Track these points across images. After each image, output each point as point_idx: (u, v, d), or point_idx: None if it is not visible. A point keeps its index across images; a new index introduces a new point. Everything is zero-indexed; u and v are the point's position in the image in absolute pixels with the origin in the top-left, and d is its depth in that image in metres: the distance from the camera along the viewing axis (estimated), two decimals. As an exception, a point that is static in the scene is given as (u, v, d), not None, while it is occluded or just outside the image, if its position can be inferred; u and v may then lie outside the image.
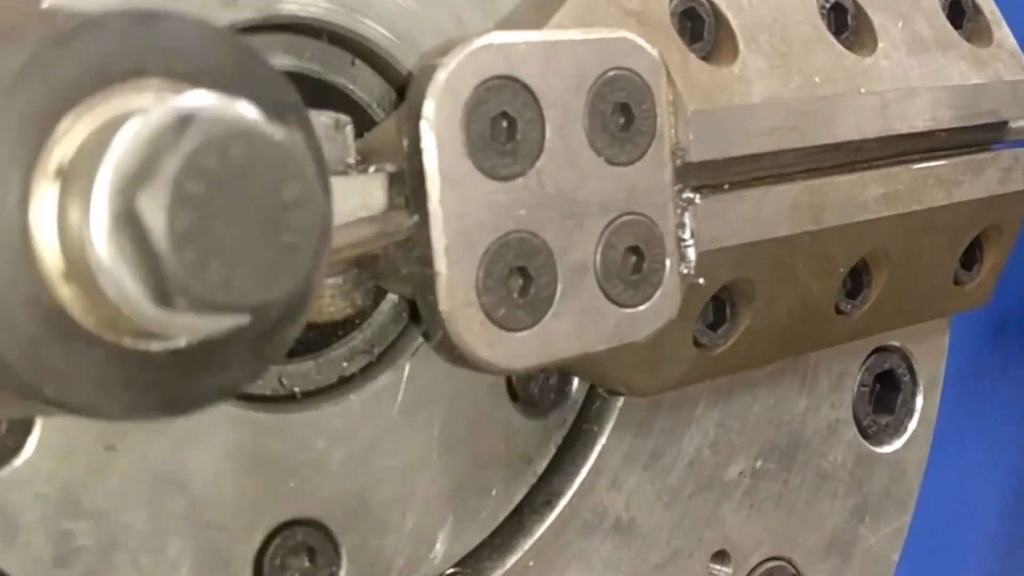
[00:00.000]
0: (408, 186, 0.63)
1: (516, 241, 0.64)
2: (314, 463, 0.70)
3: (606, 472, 0.80)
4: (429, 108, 0.61)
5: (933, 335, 0.94)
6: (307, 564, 0.70)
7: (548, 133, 0.64)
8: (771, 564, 0.88)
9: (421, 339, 0.73)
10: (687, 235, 0.71)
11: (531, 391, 0.78)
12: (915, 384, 0.94)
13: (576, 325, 0.66)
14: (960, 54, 0.84)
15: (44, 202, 0.44)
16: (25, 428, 0.62)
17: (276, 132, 0.43)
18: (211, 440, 0.66)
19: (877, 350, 0.91)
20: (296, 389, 0.71)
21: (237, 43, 0.48)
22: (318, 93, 0.72)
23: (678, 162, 0.70)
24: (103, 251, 0.42)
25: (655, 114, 0.68)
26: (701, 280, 0.72)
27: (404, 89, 0.65)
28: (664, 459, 0.82)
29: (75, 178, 0.44)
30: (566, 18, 0.68)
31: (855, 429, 0.91)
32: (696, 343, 0.76)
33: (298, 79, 0.70)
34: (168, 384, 0.46)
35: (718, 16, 0.75)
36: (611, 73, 0.66)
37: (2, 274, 0.43)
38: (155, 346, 0.45)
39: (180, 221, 0.41)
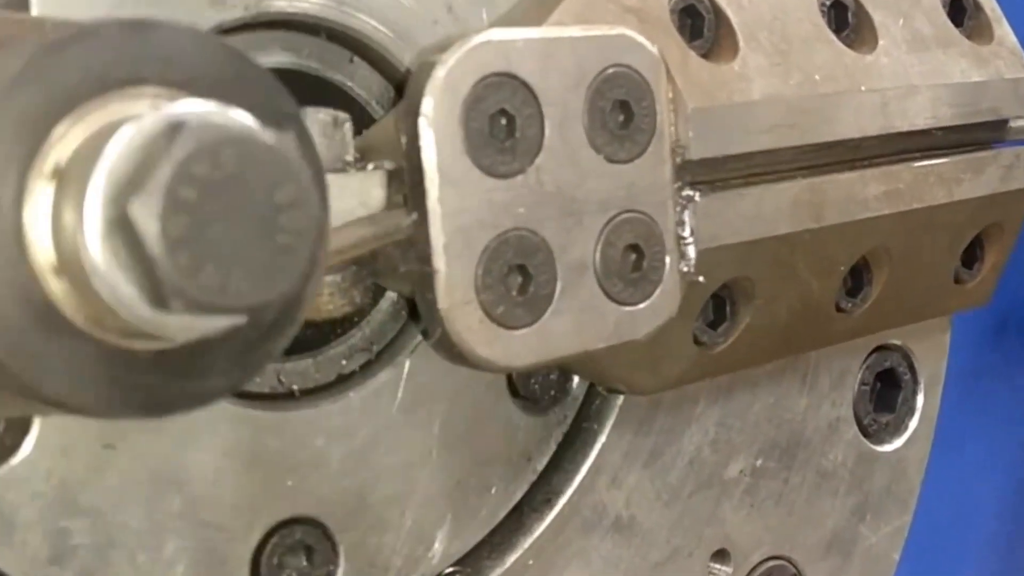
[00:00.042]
0: (407, 183, 0.63)
1: (515, 239, 0.63)
2: (313, 461, 0.70)
3: (606, 470, 0.80)
4: (428, 105, 0.61)
5: (934, 333, 0.94)
6: (304, 563, 0.70)
7: (547, 130, 0.64)
8: (771, 563, 0.88)
9: (420, 337, 0.73)
10: (687, 233, 0.71)
11: (532, 387, 0.78)
12: (916, 382, 0.94)
13: (575, 323, 0.66)
14: (961, 52, 0.84)
15: (39, 205, 0.44)
16: (23, 427, 0.62)
17: (268, 137, 0.44)
18: (209, 438, 0.66)
19: (878, 348, 0.91)
20: (295, 387, 0.71)
21: (230, 50, 0.48)
22: (316, 90, 0.71)
23: (678, 160, 0.70)
24: (97, 255, 0.43)
25: (655, 111, 0.68)
26: (701, 278, 0.72)
27: (403, 86, 0.65)
28: (664, 457, 0.82)
29: (70, 183, 0.44)
30: (565, 15, 0.68)
31: (856, 428, 0.91)
32: (696, 341, 0.76)
33: (296, 76, 0.71)
34: (162, 383, 0.46)
35: (718, 13, 0.74)
36: (610, 70, 0.66)
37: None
38: (149, 345, 0.45)
39: (173, 226, 0.41)
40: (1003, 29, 0.87)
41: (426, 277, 0.62)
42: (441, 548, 0.75)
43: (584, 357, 0.68)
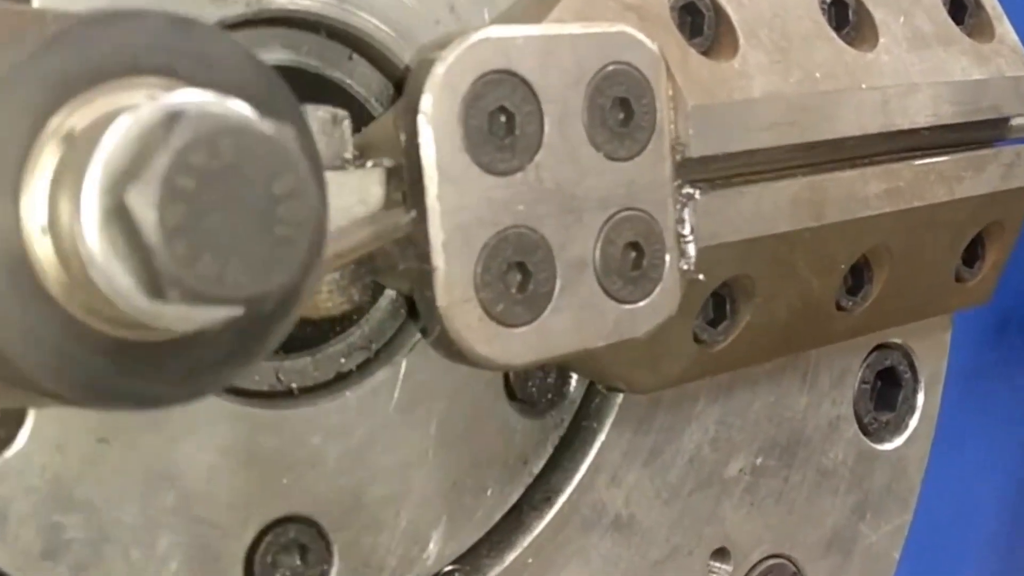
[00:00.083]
0: (406, 181, 0.62)
1: (515, 236, 0.63)
2: (309, 460, 0.70)
3: (605, 469, 0.80)
4: (427, 102, 0.61)
5: (935, 332, 0.94)
6: (298, 562, 0.70)
7: (547, 128, 0.64)
8: (771, 562, 0.87)
9: (417, 336, 0.72)
10: (687, 231, 0.71)
11: (529, 390, 0.78)
12: (916, 381, 0.94)
13: (575, 321, 0.66)
14: (961, 50, 0.84)
15: (36, 195, 0.44)
16: (18, 419, 0.62)
17: (266, 127, 0.43)
18: (206, 435, 0.66)
19: (878, 347, 0.91)
20: (293, 385, 0.71)
21: (228, 40, 0.48)
22: (316, 88, 0.71)
23: (678, 157, 0.70)
24: (94, 245, 0.42)
25: (655, 109, 0.67)
26: (701, 276, 0.71)
27: (402, 83, 0.65)
28: (664, 456, 0.82)
29: (67, 173, 0.44)
30: (565, 12, 0.68)
31: (856, 426, 0.90)
32: (696, 339, 0.76)
33: (295, 74, 0.71)
34: (158, 375, 0.46)
35: (718, 11, 0.74)
36: (610, 68, 0.66)
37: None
38: (146, 337, 0.45)
39: (171, 215, 0.41)
40: (1004, 27, 0.87)
41: (425, 275, 0.62)
42: (436, 549, 0.75)
43: (584, 355, 0.68)
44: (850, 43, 0.79)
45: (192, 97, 0.43)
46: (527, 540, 0.78)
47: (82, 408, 0.48)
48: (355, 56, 0.72)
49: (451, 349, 0.64)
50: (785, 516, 0.87)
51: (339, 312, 0.66)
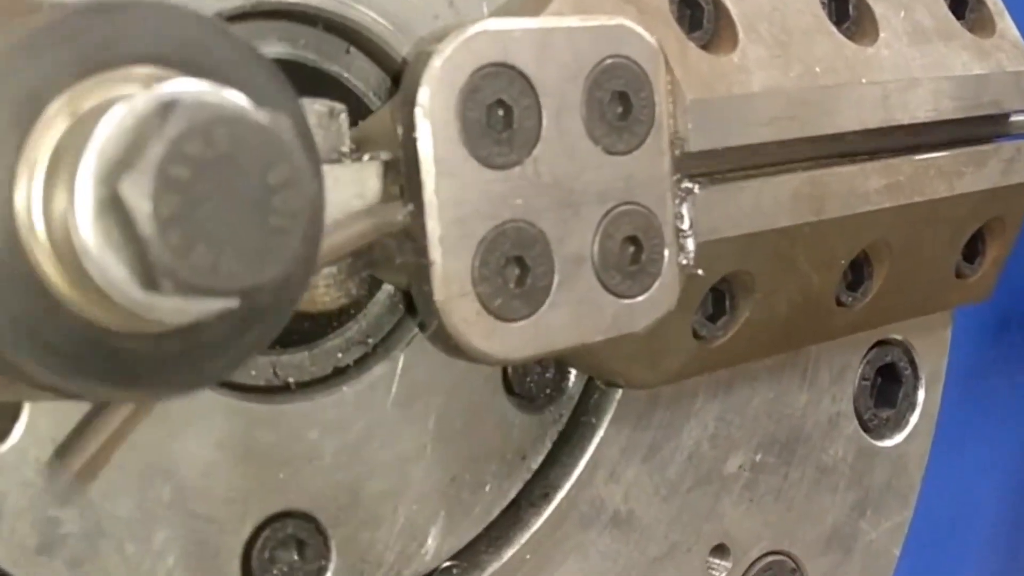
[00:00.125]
0: (403, 174, 0.62)
1: (512, 230, 0.63)
2: (306, 454, 0.69)
3: (604, 465, 0.79)
4: (424, 95, 0.60)
5: (935, 328, 0.94)
6: (296, 557, 0.70)
7: (545, 121, 0.64)
8: (771, 558, 0.87)
9: (417, 330, 0.72)
10: (686, 225, 0.70)
11: (527, 385, 0.78)
12: (917, 378, 0.93)
13: (573, 315, 0.65)
14: (962, 44, 0.84)
15: (30, 186, 0.44)
16: (13, 413, 0.62)
17: (262, 117, 0.43)
18: (203, 429, 0.66)
19: (879, 343, 0.91)
20: (290, 379, 0.71)
21: (224, 30, 0.48)
22: (313, 81, 0.71)
23: (677, 151, 0.69)
24: (88, 236, 0.42)
25: (653, 103, 0.67)
26: (700, 271, 0.71)
27: (399, 77, 0.65)
28: (663, 452, 0.81)
29: (61, 163, 0.44)
30: (564, 5, 0.68)
31: (856, 423, 0.90)
32: (695, 335, 0.75)
33: (293, 67, 0.70)
34: (153, 368, 0.45)
35: (717, 4, 0.74)
36: (609, 61, 0.66)
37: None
38: (141, 329, 0.45)
39: (165, 205, 0.41)
40: (1005, 22, 0.87)
41: (422, 269, 0.62)
42: (434, 545, 0.74)
43: (582, 350, 0.67)
44: (850, 37, 0.79)
45: (187, 87, 0.43)
46: (525, 536, 0.77)
47: (77, 401, 0.48)
48: (352, 49, 0.72)
49: (449, 343, 0.63)
50: (784, 513, 0.87)
51: (336, 306, 0.66)
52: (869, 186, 0.78)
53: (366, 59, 0.72)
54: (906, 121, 0.79)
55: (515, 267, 0.64)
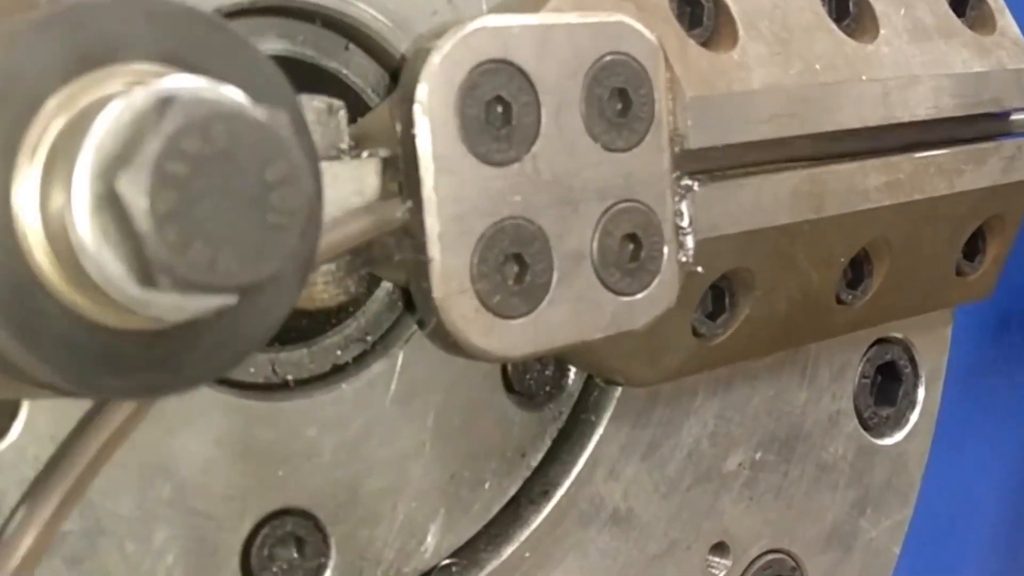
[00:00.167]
0: (402, 171, 0.62)
1: (511, 227, 0.63)
2: (305, 452, 0.69)
3: (604, 462, 0.79)
4: (423, 92, 0.60)
5: (935, 327, 0.94)
6: (295, 555, 0.69)
7: (544, 118, 0.63)
8: (770, 556, 0.87)
9: (415, 327, 0.72)
10: (685, 223, 0.70)
11: (527, 383, 0.78)
12: (917, 376, 0.93)
13: (572, 313, 0.65)
14: (963, 42, 0.84)
15: (27, 183, 0.44)
16: (11, 411, 0.62)
17: (259, 113, 0.43)
18: (202, 427, 0.66)
19: (879, 341, 0.91)
20: (289, 377, 0.71)
21: (222, 26, 0.48)
22: (311, 78, 0.71)
23: (676, 149, 0.69)
24: (85, 232, 0.42)
25: (653, 100, 0.67)
26: (699, 268, 0.71)
27: (398, 73, 0.65)
28: (662, 450, 0.81)
29: (58, 159, 0.44)
30: (563, 2, 0.67)
31: (856, 421, 0.90)
32: (695, 333, 0.75)
33: (291, 64, 0.70)
34: (150, 365, 0.45)
35: (717, 2, 0.74)
36: (608, 58, 0.65)
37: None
38: (138, 326, 0.45)
39: (162, 202, 0.41)
40: (1005, 19, 0.87)
41: (421, 266, 0.62)
42: (434, 542, 0.74)
43: (581, 348, 0.67)
44: (850, 35, 0.79)
45: (185, 83, 0.43)
46: (525, 534, 0.77)
47: (76, 399, 0.48)
48: (351, 46, 0.72)
49: (447, 341, 0.63)
50: (784, 511, 0.87)
51: (335, 304, 0.66)
52: (869, 184, 0.78)
53: (365, 56, 0.72)
54: (906, 119, 0.79)
55: (514, 264, 0.63)
